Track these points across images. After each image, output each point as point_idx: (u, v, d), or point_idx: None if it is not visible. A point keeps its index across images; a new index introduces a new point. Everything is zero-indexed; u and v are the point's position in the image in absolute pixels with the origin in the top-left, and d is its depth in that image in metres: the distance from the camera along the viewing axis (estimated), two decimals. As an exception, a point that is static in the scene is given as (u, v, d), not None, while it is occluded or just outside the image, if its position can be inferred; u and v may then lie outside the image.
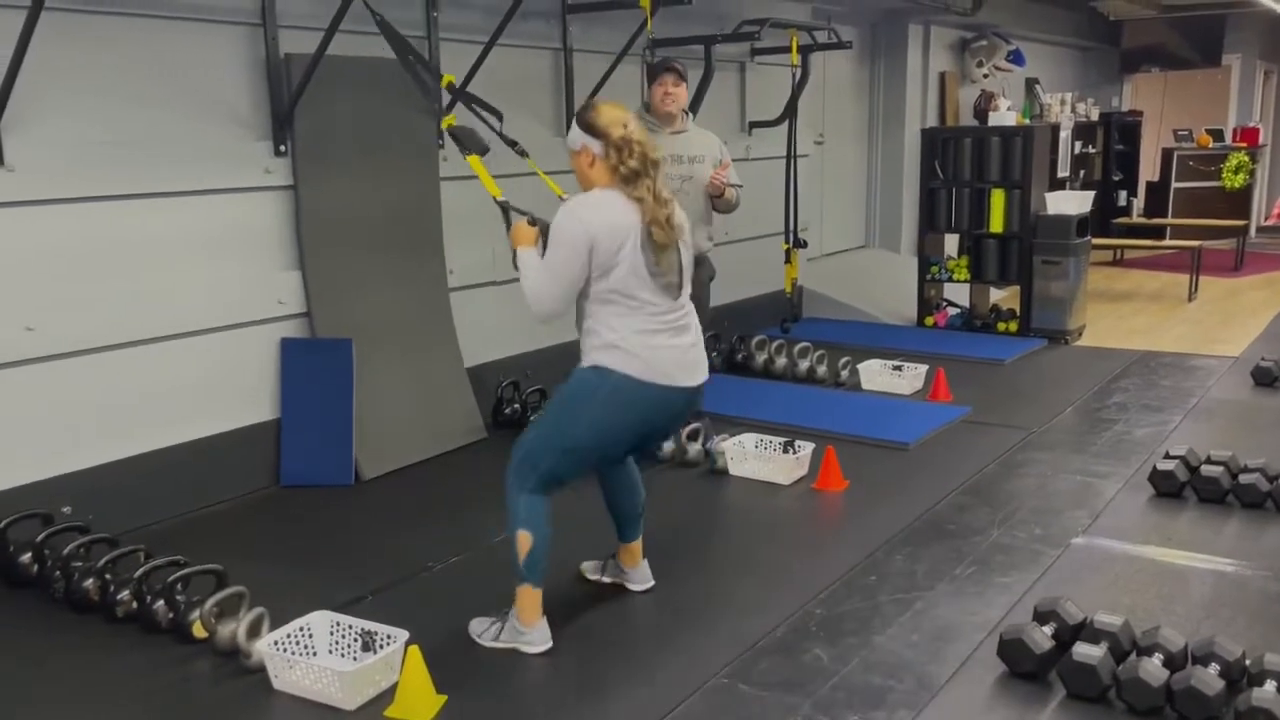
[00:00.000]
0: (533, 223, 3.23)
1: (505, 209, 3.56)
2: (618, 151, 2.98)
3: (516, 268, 3.16)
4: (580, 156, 3.07)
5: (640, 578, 3.44)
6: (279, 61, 4.38)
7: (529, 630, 3.06)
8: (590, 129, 3.03)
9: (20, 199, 3.64)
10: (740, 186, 4.79)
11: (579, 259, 2.95)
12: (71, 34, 3.72)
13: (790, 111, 7.02)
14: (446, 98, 4.53)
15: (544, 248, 3.12)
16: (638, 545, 3.43)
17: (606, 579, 3.49)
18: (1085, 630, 2.87)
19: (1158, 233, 11.41)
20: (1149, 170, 13.07)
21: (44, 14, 3.38)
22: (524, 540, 3.04)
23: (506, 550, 3.10)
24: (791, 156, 6.98)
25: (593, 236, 2.93)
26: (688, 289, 3.13)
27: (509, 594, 3.09)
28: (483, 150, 3.81)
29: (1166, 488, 4.17)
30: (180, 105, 4.12)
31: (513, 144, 3.89)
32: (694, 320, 3.17)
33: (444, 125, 3.83)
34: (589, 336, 3.06)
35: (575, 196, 3.08)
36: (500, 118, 4.00)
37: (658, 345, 3.02)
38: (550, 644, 3.07)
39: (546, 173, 3.95)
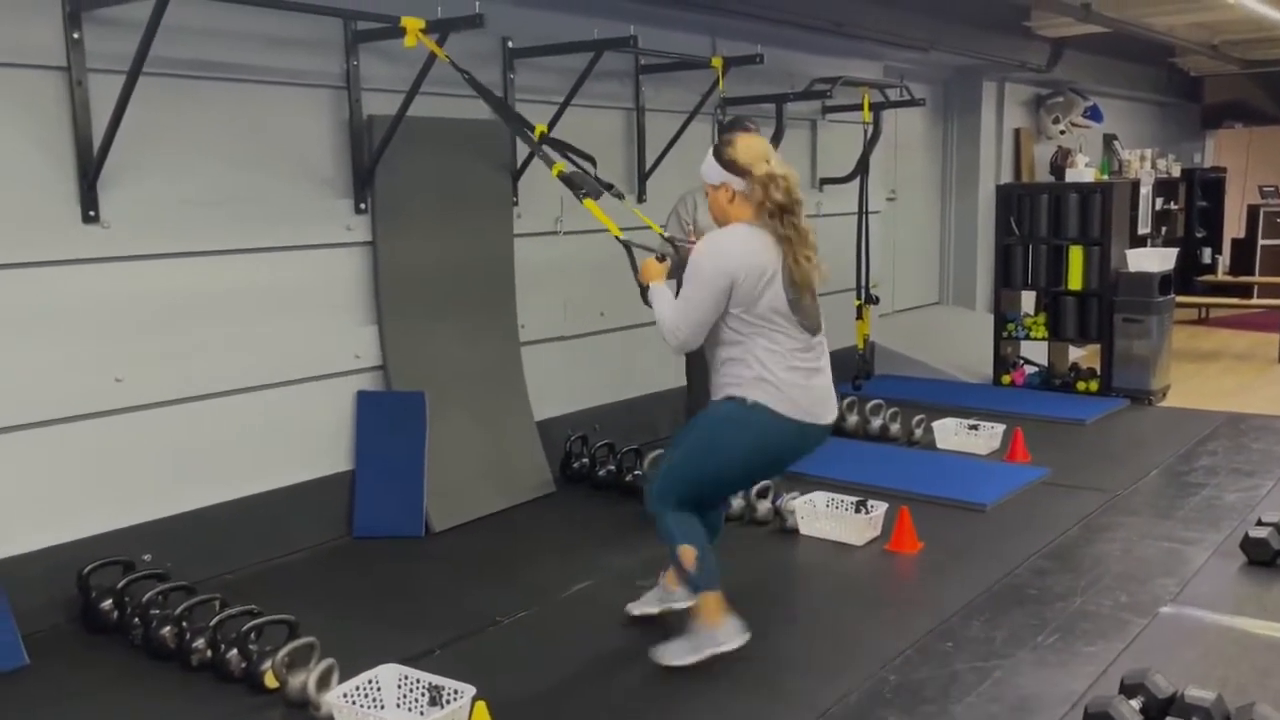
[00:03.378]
0: (661, 258, 3.32)
1: (629, 247, 3.61)
2: (763, 188, 3.02)
3: (647, 303, 3.26)
4: (719, 192, 3.11)
5: (679, 598, 3.46)
6: (362, 122, 4.52)
7: (719, 628, 3.15)
8: (731, 165, 3.06)
9: (114, 254, 3.79)
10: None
11: (718, 293, 3.01)
12: (167, 97, 3.89)
13: (862, 168, 7.01)
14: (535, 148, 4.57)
15: (678, 283, 3.22)
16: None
17: (655, 610, 3.50)
18: (1176, 705, 2.74)
19: (1244, 291, 11.09)
20: (1234, 227, 12.75)
21: (141, 78, 3.54)
22: (687, 553, 3.12)
23: (578, 600, 3.08)
24: (863, 212, 6.96)
25: (733, 273, 2.99)
26: (824, 325, 3.18)
27: (575, 648, 3.08)
28: (598, 193, 3.86)
29: (1259, 556, 3.99)
30: (267, 165, 4.27)
31: (609, 187, 3.92)
32: (827, 357, 3.21)
33: (554, 173, 3.85)
34: (734, 367, 3.09)
35: (715, 231, 3.13)
36: (594, 163, 4.05)
37: (801, 383, 3.07)
38: (748, 634, 3.17)
39: (622, 228, 3.98)
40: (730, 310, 3.04)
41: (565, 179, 3.85)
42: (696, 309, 3.06)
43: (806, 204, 4.56)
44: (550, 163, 3.88)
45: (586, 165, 4.01)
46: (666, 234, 3.90)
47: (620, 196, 3.91)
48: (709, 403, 3.22)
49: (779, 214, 3.01)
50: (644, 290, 3.33)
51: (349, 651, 3.13)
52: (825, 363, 3.19)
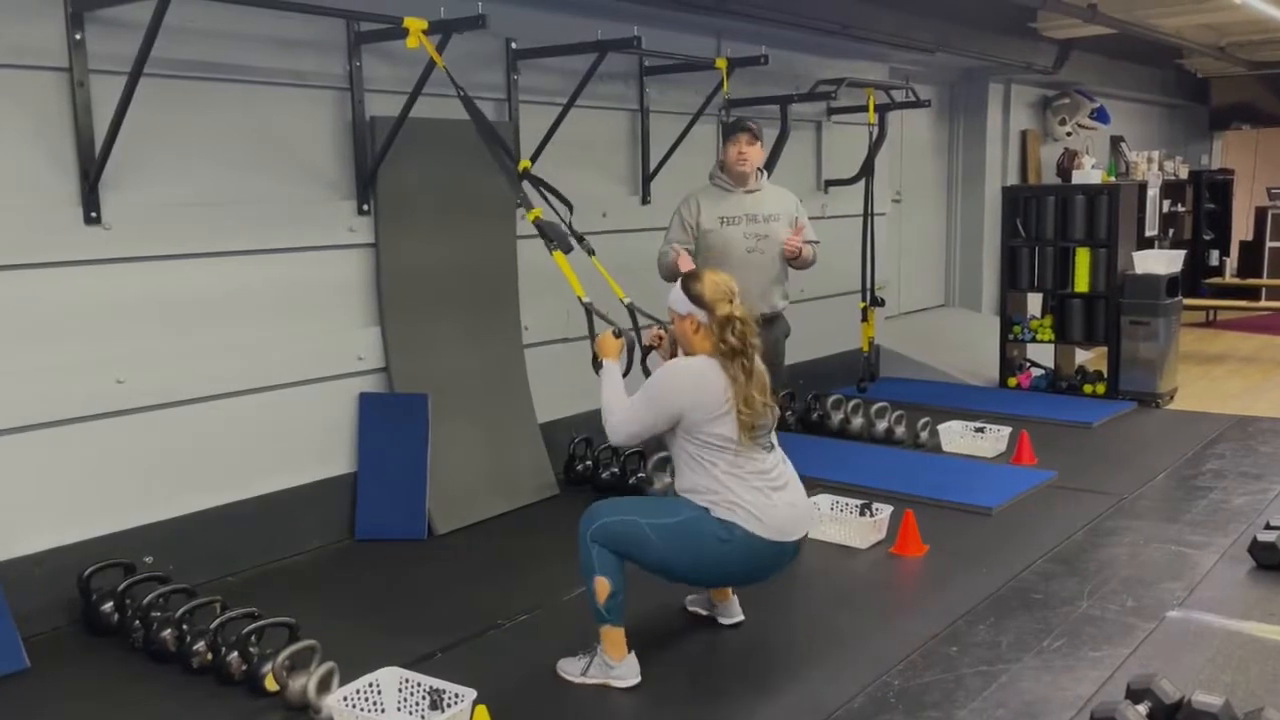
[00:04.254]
0: (618, 335, 3.43)
1: (589, 311, 3.73)
2: (720, 328, 3.14)
3: (597, 374, 3.39)
4: (685, 322, 3.23)
5: (730, 611, 3.56)
6: (364, 124, 4.51)
7: (618, 665, 3.16)
8: (698, 300, 3.18)
9: (116, 256, 3.78)
10: (817, 243, 4.76)
11: (664, 418, 3.16)
12: (169, 98, 3.88)
13: (867, 170, 6.99)
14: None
15: (627, 360, 3.41)
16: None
17: (703, 611, 3.59)
18: (1183, 710, 2.71)
19: (1252, 293, 11.04)
20: (1242, 229, 12.70)
21: (143, 79, 3.53)
22: (602, 585, 3.14)
23: (580, 604, 3.09)
24: (868, 215, 6.94)
25: (682, 407, 3.13)
26: (774, 437, 3.26)
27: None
28: (568, 248, 3.91)
29: (1268, 560, 3.96)
30: (269, 166, 4.26)
31: (580, 239, 4.01)
32: (791, 470, 3.30)
33: (529, 218, 3.95)
34: (699, 482, 3.16)
35: (680, 360, 3.26)
36: (570, 209, 4.10)
37: (767, 503, 3.14)
38: (639, 678, 3.16)
39: (620, 231, 3.98)
40: (681, 433, 3.16)
41: (539, 228, 3.93)
42: (640, 422, 3.21)
43: (807, 228, 4.62)
44: (529, 206, 3.95)
45: (563, 209, 4.07)
46: (628, 301, 3.94)
47: (590, 252, 3.99)
48: (685, 498, 3.20)
49: (732, 355, 3.13)
50: (595, 362, 3.45)
51: (350, 654, 3.11)
52: (790, 477, 3.26)
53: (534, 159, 5.02)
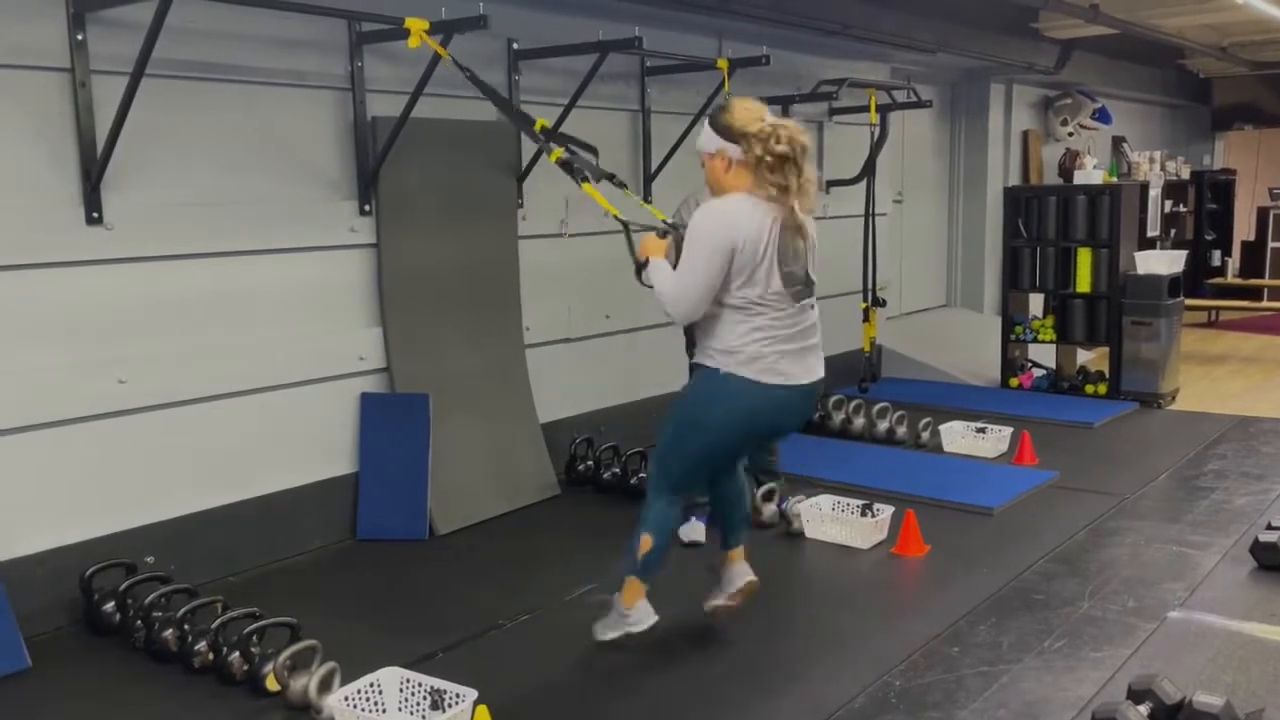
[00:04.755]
0: (662, 235, 3.29)
1: (627, 226, 3.58)
2: (763, 143, 2.94)
3: (643, 281, 3.26)
4: (715, 160, 3.05)
5: (741, 572, 3.49)
6: (366, 124, 4.51)
7: (633, 610, 3.26)
8: (727, 131, 2.99)
9: (118, 256, 3.78)
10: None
11: (721, 259, 2.97)
12: (170, 98, 3.88)
13: (868, 170, 6.99)
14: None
15: (676, 256, 3.19)
16: (740, 550, 3.54)
17: (721, 602, 3.49)
18: (1184, 711, 2.71)
19: (1254, 294, 11.03)
20: (1244, 229, 12.69)
21: (145, 79, 3.53)
22: (646, 541, 3.23)
23: (581, 604, 3.04)
24: (870, 215, 6.94)
25: (735, 240, 2.95)
26: (813, 295, 3.15)
27: (578, 652, 3.14)
28: (599, 177, 3.84)
29: (1269, 560, 3.95)
30: (271, 166, 4.26)
31: (610, 175, 3.89)
32: (816, 325, 3.20)
33: (553, 159, 3.83)
34: (708, 340, 3.10)
35: (711, 200, 3.07)
36: (596, 154, 4.03)
37: (776, 349, 3.05)
38: (655, 618, 3.26)
39: (621, 231, 3.97)
40: (726, 281, 3.00)
41: (563, 164, 3.81)
42: (699, 276, 3.00)
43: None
44: (549, 150, 3.86)
45: (588, 155, 3.99)
46: (670, 220, 3.88)
47: (622, 186, 3.85)
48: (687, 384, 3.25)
49: (780, 166, 2.94)
50: (639, 268, 3.30)
51: (351, 654, 3.11)
52: (812, 327, 3.17)
53: (535, 160, 5.03)
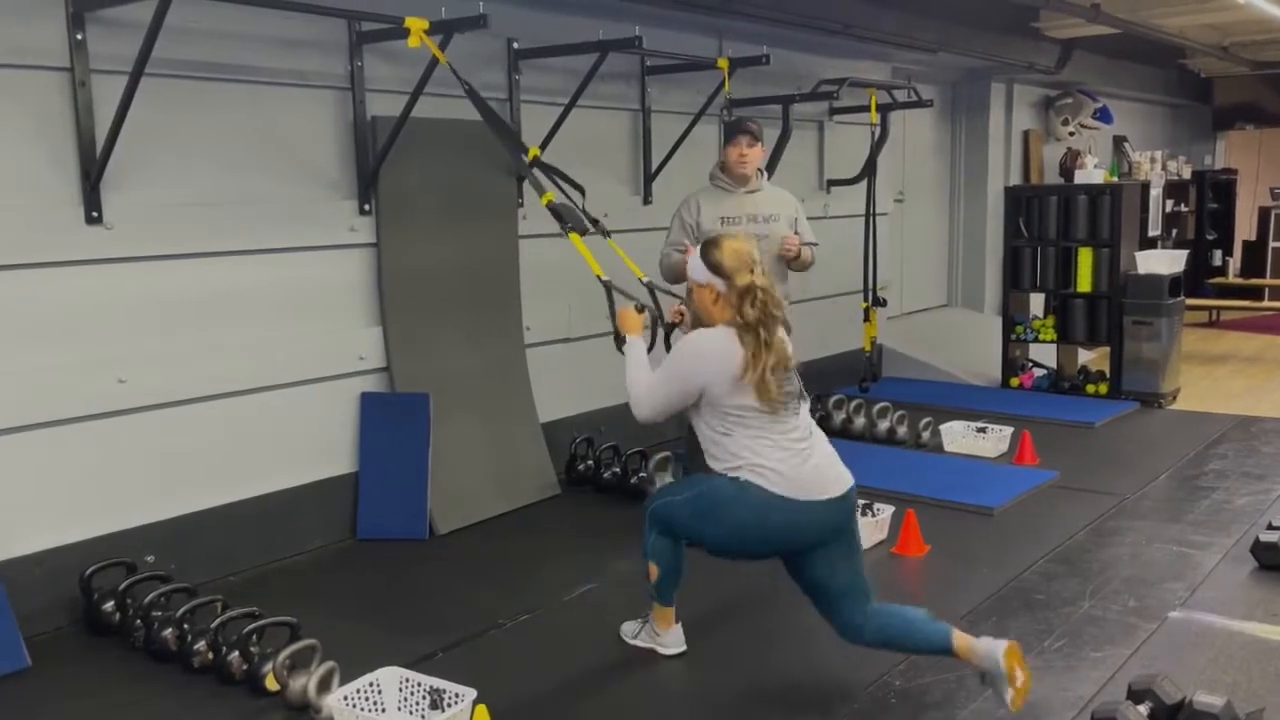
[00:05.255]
0: (640, 309, 3.40)
1: (609, 289, 3.70)
2: (740, 298, 3.05)
3: (620, 350, 3.38)
4: (704, 292, 3.14)
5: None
6: (366, 124, 4.51)
7: (664, 634, 3.36)
8: (717, 269, 3.10)
9: (118, 255, 3.78)
10: (815, 244, 4.75)
11: (688, 391, 3.10)
12: (170, 98, 3.88)
13: (869, 170, 6.98)
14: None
15: (651, 335, 3.35)
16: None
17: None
18: (1184, 711, 2.71)
19: (1255, 293, 11.03)
20: (1245, 229, 12.69)
21: (144, 79, 3.53)
22: (653, 570, 3.27)
23: (581, 603, 3.06)
24: (870, 215, 6.93)
25: (706, 380, 3.05)
26: (805, 405, 3.18)
27: (577, 652, 3.09)
28: (583, 229, 3.89)
29: (1270, 560, 3.95)
30: (271, 166, 4.26)
31: (595, 222, 3.99)
32: (817, 431, 3.19)
33: (543, 202, 3.94)
34: (721, 451, 3.09)
35: (699, 331, 3.15)
36: (583, 193, 4.08)
37: (795, 461, 3.04)
38: (684, 647, 3.35)
39: (622, 231, 3.98)
40: (705, 406, 3.09)
41: (553, 210, 3.92)
42: (665, 397, 3.16)
43: (806, 230, 4.57)
44: (540, 190, 3.95)
45: (575, 196, 4.05)
46: (646, 279, 3.91)
47: (606, 235, 3.94)
48: (708, 470, 3.18)
49: (751, 328, 3.04)
50: (618, 339, 3.43)
51: (351, 654, 3.11)
52: (816, 437, 3.16)
53: (533, 164, 5.02)
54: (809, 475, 3.04)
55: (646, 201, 5.91)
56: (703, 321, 3.18)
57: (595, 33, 5.06)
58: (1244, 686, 3.04)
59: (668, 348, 3.57)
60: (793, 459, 3.04)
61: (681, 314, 3.58)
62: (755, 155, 4.54)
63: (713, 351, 3.06)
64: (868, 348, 7.04)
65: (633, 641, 3.40)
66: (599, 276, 3.77)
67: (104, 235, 3.73)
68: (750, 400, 3.02)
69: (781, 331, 3.12)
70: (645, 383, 3.22)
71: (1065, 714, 2.93)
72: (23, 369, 3.57)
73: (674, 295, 3.80)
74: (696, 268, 3.15)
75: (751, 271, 3.07)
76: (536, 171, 4.09)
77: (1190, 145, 13.40)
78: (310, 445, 4.43)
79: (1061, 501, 4.90)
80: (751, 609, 3.62)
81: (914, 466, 5.53)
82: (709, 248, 3.15)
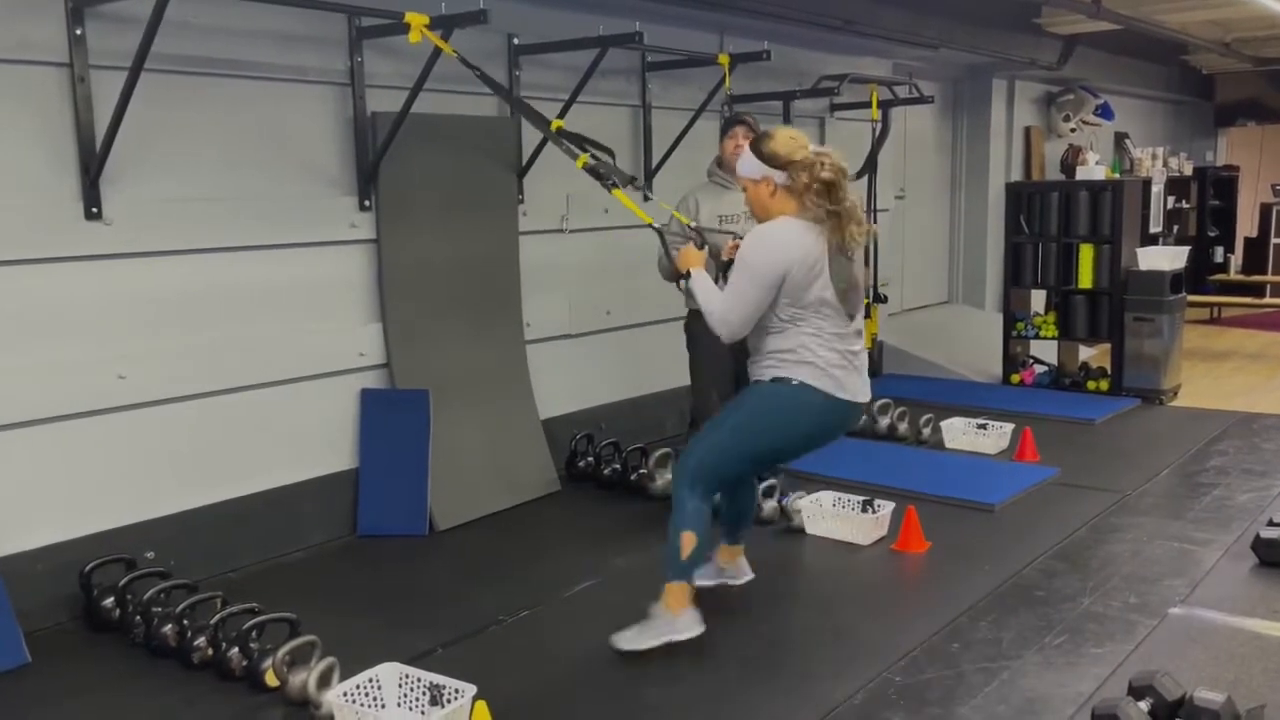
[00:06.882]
0: (700, 246, 3.41)
1: (663, 235, 3.72)
2: (808, 170, 3.06)
3: (681, 289, 3.44)
4: (760, 187, 3.15)
5: (742, 571, 3.68)
6: (366, 119, 4.50)
7: (679, 617, 3.24)
8: (772, 159, 3.10)
9: (116, 251, 3.78)
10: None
11: (769, 286, 3.09)
12: (169, 93, 3.87)
13: (870, 166, 6.98)
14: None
15: (714, 267, 3.37)
16: (740, 547, 3.71)
17: (710, 582, 3.61)
18: (1185, 707, 2.71)
19: (1257, 290, 11.01)
20: (1246, 226, 12.66)
21: (143, 75, 3.53)
22: (688, 540, 3.21)
23: (580, 600, 3.06)
24: (871, 211, 6.92)
25: (786, 268, 3.06)
26: (861, 308, 3.26)
27: (577, 648, 3.06)
28: (627, 181, 3.88)
29: (1271, 557, 3.94)
30: (271, 162, 4.25)
31: (632, 179, 3.98)
32: (864, 338, 3.32)
33: (579, 165, 3.91)
34: (777, 352, 3.17)
35: (763, 225, 3.16)
36: (613, 156, 4.05)
37: (842, 364, 3.16)
38: (703, 627, 3.25)
39: (623, 227, 3.97)
40: (778, 300, 3.12)
41: (591, 170, 3.88)
42: (748, 302, 3.14)
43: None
44: (575, 155, 3.91)
45: (605, 157, 4.01)
46: (693, 223, 3.90)
47: (642, 189, 3.95)
48: (751, 384, 3.29)
49: (827, 192, 3.05)
50: (679, 277, 3.45)
51: (350, 650, 3.11)
52: (862, 344, 3.30)
53: (536, 155, 5.02)
54: (851, 377, 3.21)
55: (647, 198, 5.89)
56: (761, 219, 3.19)
57: (596, 28, 5.05)
58: (1244, 683, 3.03)
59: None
60: (839, 359, 3.15)
61: (736, 247, 3.53)
62: None
63: (785, 238, 3.09)
64: (869, 344, 7.04)
65: (644, 646, 3.24)
66: (649, 224, 3.76)
67: (103, 231, 3.72)
68: (822, 291, 3.07)
69: (853, 199, 3.13)
70: (723, 298, 3.21)
71: (1066, 710, 2.92)
72: (22, 365, 3.56)
73: (729, 232, 3.80)
74: (749, 164, 3.16)
75: (807, 148, 3.10)
76: (564, 141, 4.05)
77: (1192, 142, 13.38)
78: (310, 441, 4.43)
79: (1062, 498, 4.89)
80: (750, 606, 3.62)
81: (915, 463, 5.52)
82: (760, 141, 3.17)
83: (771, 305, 3.14)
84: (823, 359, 3.13)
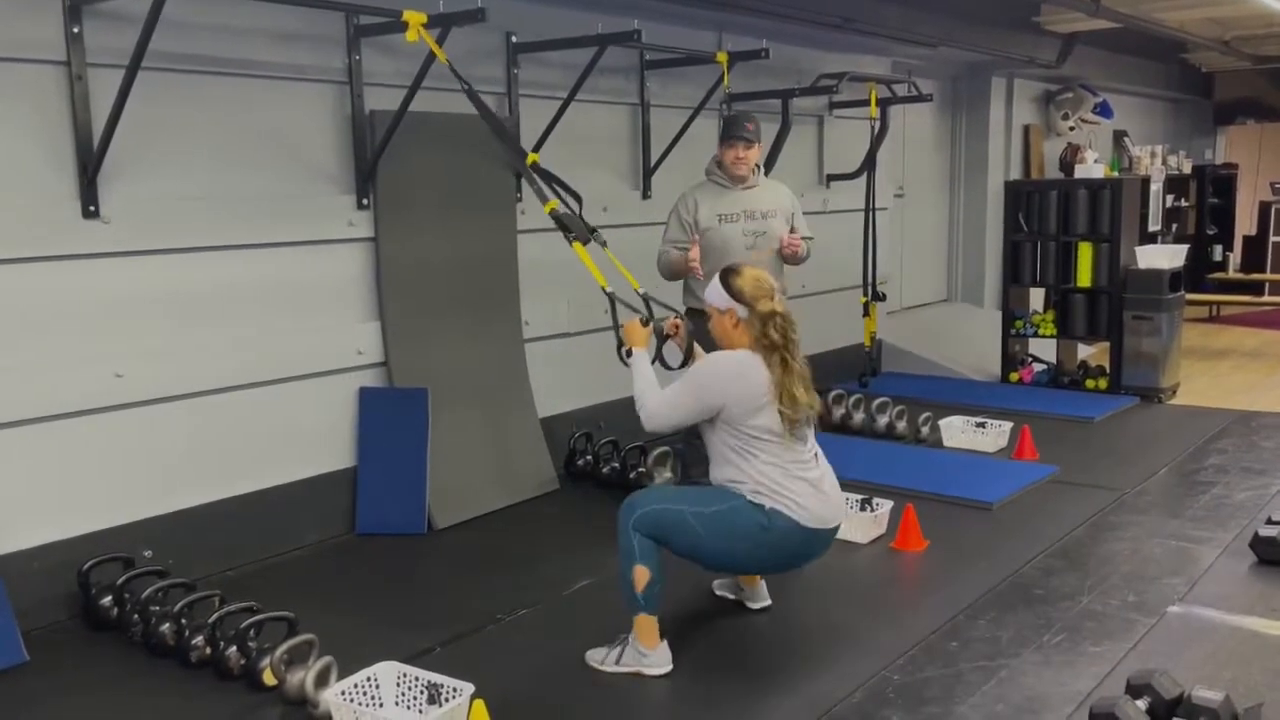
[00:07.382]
0: (645, 322, 3.46)
1: (613, 301, 3.76)
2: (762, 323, 3.16)
3: (624, 362, 3.44)
4: (724, 317, 3.25)
5: (759, 596, 3.63)
6: (364, 118, 4.50)
7: (651, 653, 3.19)
8: (738, 295, 3.20)
9: (114, 250, 3.77)
10: (811, 238, 4.73)
11: (705, 409, 3.19)
12: (167, 92, 3.87)
13: (869, 165, 6.97)
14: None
15: (658, 349, 3.44)
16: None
17: (731, 595, 3.68)
18: (1183, 705, 2.70)
19: (1256, 288, 11.01)
20: (1245, 224, 12.67)
21: (141, 73, 3.52)
22: (641, 574, 3.15)
23: (580, 599, 3.04)
24: (870, 209, 6.92)
25: (724, 398, 3.14)
26: (812, 430, 3.30)
27: (575, 647, 3.04)
28: (586, 239, 3.93)
29: (1269, 555, 3.95)
30: (269, 160, 4.25)
31: (593, 232, 4.03)
32: (824, 458, 3.33)
33: (546, 210, 4.00)
34: (738, 474, 3.18)
35: (722, 353, 3.25)
36: (580, 201, 4.09)
37: (811, 491, 3.18)
38: (671, 665, 3.18)
39: (621, 225, 3.98)
40: (721, 424, 3.18)
41: (557, 220, 3.97)
42: (680, 412, 3.25)
43: (801, 225, 4.62)
44: (544, 199, 3.99)
45: (574, 203, 4.07)
46: (642, 291, 3.92)
47: (603, 244, 4.01)
48: (725, 487, 3.23)
49: (772, 350, 3.15)
50: (621, 350, 3.50)
51: (348, 649, 3.11)
52: (825, 465, 3.30)
53: (535, 153, 5.01)
54: (824, 507, 3.21)
55: (645, 196, 5.90)
56: (721, 346, 3.28)
57: (594, 26, 5.04)
58: (1243, 681, 3.03)
59: (660, 360, 3.60)
60: (810, 489, 3.18)
61: (677, 326, 3.63)
62: (751, 157, 4.50)
63: (734, 371, 3.17)
64: (867, 343, 7.04)
65: (613, 668, 3.19)
66: (602, 287, 3.82)
67: (101, 229, 3.72)
68: (769, 422, 3.12)
69: (801, 357, 3.21)
70: (658, 396, 3.28)
71: (1064, 708, 2.92)
72: (20, 363, 3.56)
73: (670, 309, 3.82)
74: (716, 294, 3.25)
75: (771, 299, 3.19)
76: (536, 178, 4.10)
77: (1191, 140, 13.38)
78: (308, 440, 4.43)
79: (1061, 496, 4.90)
80: (747, 605, 3.62)
81: (913, 461, 5.52)
82: (729, 275, 3.26)
83: (715, 429, 3.19)
84: (791, 489, 3.14)
